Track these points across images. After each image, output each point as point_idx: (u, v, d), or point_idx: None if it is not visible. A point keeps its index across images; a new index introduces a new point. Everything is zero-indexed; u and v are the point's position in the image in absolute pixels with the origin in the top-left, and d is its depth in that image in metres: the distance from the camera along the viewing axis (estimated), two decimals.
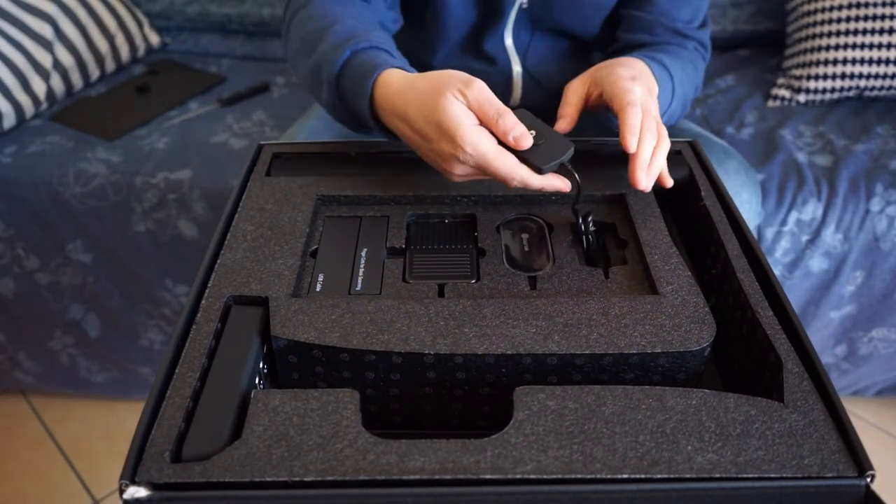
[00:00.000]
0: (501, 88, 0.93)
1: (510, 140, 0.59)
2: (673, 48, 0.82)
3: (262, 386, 0.52)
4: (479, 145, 0.58)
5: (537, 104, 0.96)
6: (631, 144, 0.60)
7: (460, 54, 0.91)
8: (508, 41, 0.88)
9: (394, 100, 0.62)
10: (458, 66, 0.90)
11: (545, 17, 0.87)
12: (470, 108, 0.59)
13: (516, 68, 0.92)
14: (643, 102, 0.63)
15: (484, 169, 0.59)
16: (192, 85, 1.42)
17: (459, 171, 0.61)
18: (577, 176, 0.61)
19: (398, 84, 0.63)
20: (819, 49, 1.26)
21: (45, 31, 1.29)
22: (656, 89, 0.70)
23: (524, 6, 0.85)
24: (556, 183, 0.61)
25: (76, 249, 1.19)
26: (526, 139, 0.59)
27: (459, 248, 0.62)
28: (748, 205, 0.85)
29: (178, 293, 1.21)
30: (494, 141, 0.59)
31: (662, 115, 0.74)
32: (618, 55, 0.84)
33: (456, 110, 0.58)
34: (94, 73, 1.41)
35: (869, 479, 0.42)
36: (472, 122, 0.59)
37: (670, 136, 0.68)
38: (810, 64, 1.27)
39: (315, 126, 0.92)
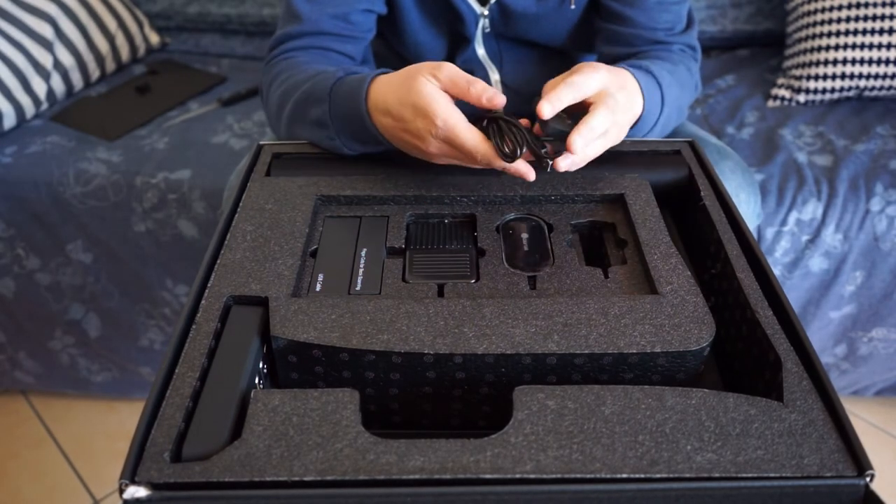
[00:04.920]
0: None
1: (484, 102, 0.60)
2: (660, 54, 0.82)
3: (261, 386, 0.52)
4: (449, 118, 0.60)
5: (519, 112, 0.98)
6: (577, 144, 0.60)
7: None
8: (481, 52, 0.92)
9: (378, 97, 0.66)
10: None
11: (510, 33, 0.90)
12: (443, 87, 0.62)
13: (494, 76, 0.95)
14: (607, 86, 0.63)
15: (453, 141, 0.61)
16: (192, 85, 1.42)
17: (434, 149, 0.63)
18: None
19: (382, 84, 0.66)
20: (819, 49, 1.26)
21: (46, 31, 1.29)
22: (636, 96, 0.69)
23: (487, 30, 0.88)
24: (521, 168, 0.61)
25: (76, 249, 1.19)
26: (498, 97, 0.61)
27: (459, 248, 0.63)
28: (746, 205, 0.85)
29: (178, 293, 1.21)
30: (464, 118, 0.61)
31: (655, 124, 0.74)
32: None
33: (429, 89, 0.61)
34: (95, 73, 1.41)
35: (868, 479, 0.42)
36: (445, 99, 0.61)
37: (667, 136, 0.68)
38: (810, 64, 1.27)
39: None
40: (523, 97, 0.96)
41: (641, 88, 0.70)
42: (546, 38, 0.90)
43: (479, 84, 0.61)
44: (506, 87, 0.95)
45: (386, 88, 0.65)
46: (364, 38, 0.85)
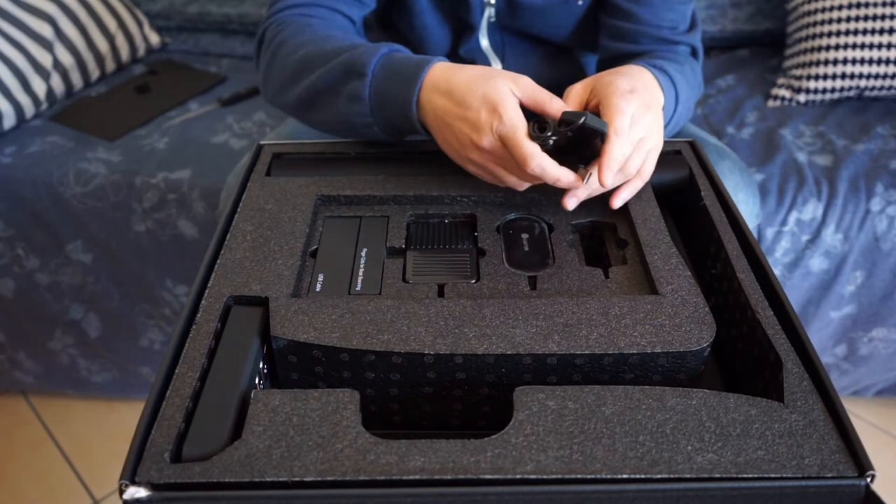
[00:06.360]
0: None
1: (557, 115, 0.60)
2: (667, 54, 0.82)
3: (262, 386, 0.52)
4: (515, 118, 0.60)
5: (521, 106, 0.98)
6: (606, 179, 0.60)
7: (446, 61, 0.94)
8: (484, 43, 0.92)
9: (441, 77, 0.64)
10: None
11: (515, 25, 0.90)
12: (521, 95, 0.62)
13: (496, 68, 0.93)
14: (633, 122, 0.62)
15: (510, 141, 0.60)
16: (192, 85, 1.42)
17: (487, 144, 0.61)
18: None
19: (447, 68, 0.65)
20: (819, 49, 1.26)
21: (45, 31, 1.29)
22: (659, 100, 0.68)
23: (492, 20, 0.89)
24: (569, 177, 0.61)
25: (76, 249, 1.19)
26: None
27: (459, 248, 0.62)
28: (745, 205, 0.85)
29: (178, 293, 1.21)
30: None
31: (667, 124, 0.74)
32: (608, 63, 0.85)
33: (505, 88, 0.61)
34: (94, 73, 1.41)
35: (869, 479, 0.42)
36: (517, 102, 0.61)
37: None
38: (810, 64, 1.27)
39: (297, 131, 0.92)
40: None
41: (662, 88, 0.70)
42: (550, 32, 0.90)
43: (558, 101, 0.62)
44: None
45: (455, 72, 0.64)
46: (368, 5, 0.85)
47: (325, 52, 0.71)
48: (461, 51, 0.92)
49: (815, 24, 1.28)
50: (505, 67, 0.94)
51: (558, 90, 1.00)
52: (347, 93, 0.69)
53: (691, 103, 0.82)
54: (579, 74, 1.00)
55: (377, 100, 0.67)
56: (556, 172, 0.59)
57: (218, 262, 0.58)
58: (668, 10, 0.82)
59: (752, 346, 0.53)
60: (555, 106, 0.62)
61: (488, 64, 0.93)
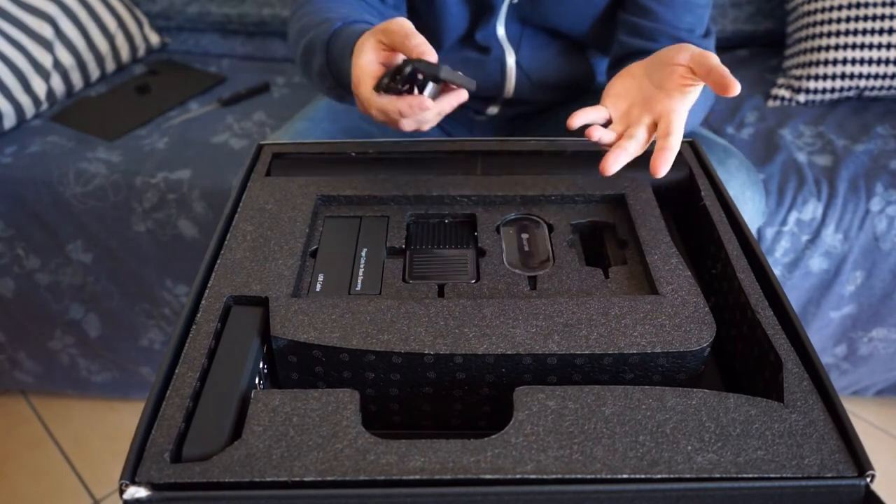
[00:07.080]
0: (496, 78, 0.96)
1: (415, 53, 0.62)
2: None
3: (262, 386, 0.52)
4: (360, 73, 0.64)
5: (530, 97, 0.98)
6: (736, 90, 0.58)
7: (459, 47, 0.95)
8: (501, 31, 0.91)
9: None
10: (458, 57, 0.95)
11: (534, 14, 0.90)
12: (387, 41, 0.64)
13: (510, 59, 0.94)
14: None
15: (356, 94, 0.65)
16: (192, 85, 1.42)
17: (358, 105, 0.67)
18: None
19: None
20: (819, 49, 1.26)
21: (45, 31, 1.29)
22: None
23: (514, 2, 0.88)
24: (410, 104, 0.62)
25: (76, 249, 1.19)
26: (430, 55, 0.61)
27: (459, 248, 0.62)
28: (752, 202, 0.85)
29: (178, 293, 1.21)
30: (374, 71, 0.64)
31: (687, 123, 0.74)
32: (622, 61, 0.85)
33: (366, 42, 0.64)
34: (94, 73, 1.41)
35: (869, 479, 0.42)
36: (373, 53, 0.64)
37: None
38: (810, 64, 1.27)
39: (301, 129, 0.92)
40: (534, 83, 0.97)
41: None
42: (568, 24, 0.90)
43: (416, 38, 0.62)
44: (520, 69, 0.95)
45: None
46: None
47: (306, 26, 0.77)
48: (477, 35, 0.92)
49: (815, 24, 1.28)
50: (519, 58, 0.94)
51: (569, 87, 1.00)
52: (316, 70, 0.75)
53: (708, 104, 0.82)
54: (590, 74, 1.00)
55: (337, 75, 0.72)
56: (394, 106, 0.62)
57: (218, 262, 0.58)
58: (688, 12, 0.82)
59: (752, 346, 0.53)
60: (409, 44, 0.62)
61: (503, 53, 0.93)
